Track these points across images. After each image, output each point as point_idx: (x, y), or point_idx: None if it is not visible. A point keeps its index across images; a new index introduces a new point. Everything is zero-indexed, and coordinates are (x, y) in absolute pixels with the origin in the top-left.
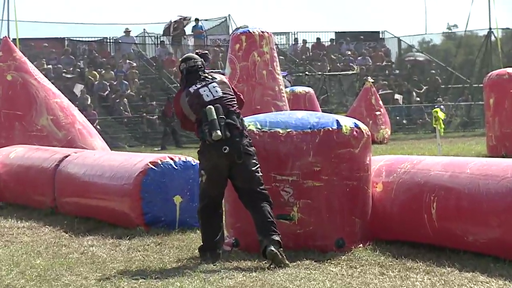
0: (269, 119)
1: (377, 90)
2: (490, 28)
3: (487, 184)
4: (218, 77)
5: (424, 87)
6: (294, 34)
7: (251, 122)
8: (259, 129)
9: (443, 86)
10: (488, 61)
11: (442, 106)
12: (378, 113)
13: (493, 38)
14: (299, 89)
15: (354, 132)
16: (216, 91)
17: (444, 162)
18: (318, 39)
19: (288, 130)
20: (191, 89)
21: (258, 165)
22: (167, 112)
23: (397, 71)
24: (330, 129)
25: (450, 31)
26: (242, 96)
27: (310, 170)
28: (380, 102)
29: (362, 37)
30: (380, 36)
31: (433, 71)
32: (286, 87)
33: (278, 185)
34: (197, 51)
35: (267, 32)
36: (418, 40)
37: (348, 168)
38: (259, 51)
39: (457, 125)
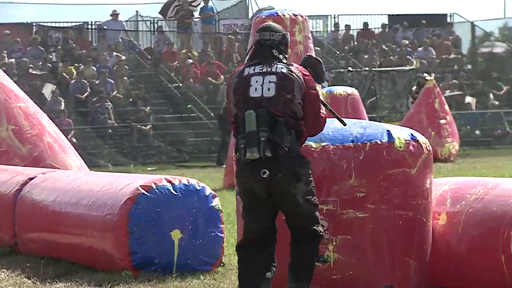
0: None
1: (442, 91)
2: None
3: None
4: (285, 69)
5: (505, 88)
6: (334, 18)
7: None
8: None
9: None
10: None
11: None
12: (443, 121)
13: None
14: (340, 89)
15: (411, 147)
16: (269, 88)
17: None
18: (365, 24)
19: (323, 143)
20: (246, 71)
21: (311, 194)
22: (228, 116)
23: (470, 67)
24: (379, 142)
25: None
26: (321, 99)
27: (351, 196)
28: (446, 107)
29: (423, 21)
30: (448, 20)
31: None
32: (322, 87)
33: None
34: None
35: (301, 16)
36: (498, 25)
37: (401, 194)
38: (291, 40)
39: None
